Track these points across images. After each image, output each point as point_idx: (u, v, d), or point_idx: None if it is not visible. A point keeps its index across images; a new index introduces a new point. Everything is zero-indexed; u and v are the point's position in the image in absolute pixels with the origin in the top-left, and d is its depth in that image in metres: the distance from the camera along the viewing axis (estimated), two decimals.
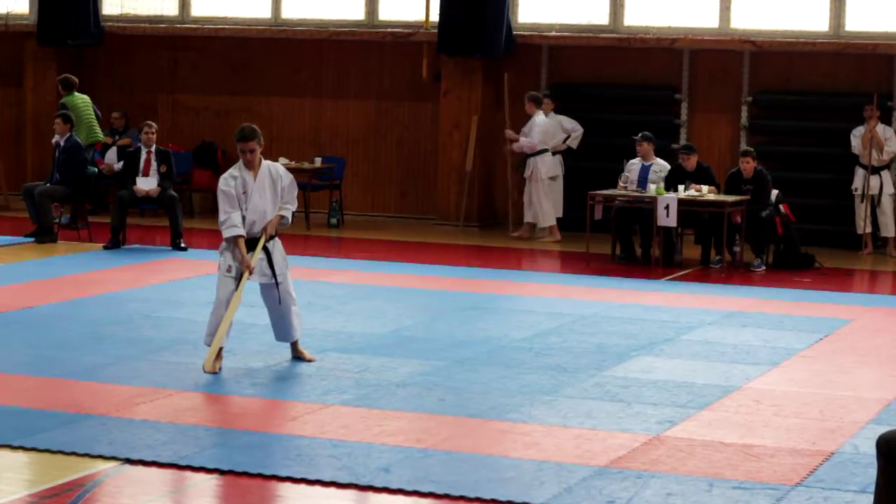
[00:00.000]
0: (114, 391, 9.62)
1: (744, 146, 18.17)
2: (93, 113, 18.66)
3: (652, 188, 16.43)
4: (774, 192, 16.62)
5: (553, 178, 18.45)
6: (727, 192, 16.65)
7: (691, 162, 16.68)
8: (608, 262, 16.55)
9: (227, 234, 10.29)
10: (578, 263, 16.57)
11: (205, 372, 10.21)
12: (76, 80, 18.83)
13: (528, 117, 18.63)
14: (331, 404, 9.44)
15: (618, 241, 16.71)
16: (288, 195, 10.55)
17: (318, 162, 19.62)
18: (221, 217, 10.27)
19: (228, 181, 10.32)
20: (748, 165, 16.54)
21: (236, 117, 20.87)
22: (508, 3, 19.16)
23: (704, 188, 16.34)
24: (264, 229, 10.42)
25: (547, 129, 18.35)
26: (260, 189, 10.37)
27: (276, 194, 10.45)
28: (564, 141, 18.66)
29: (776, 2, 18.77)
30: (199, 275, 14.73)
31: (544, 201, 18.38)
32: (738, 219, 16.22)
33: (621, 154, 17.52)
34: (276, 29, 20.49)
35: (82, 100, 18.62)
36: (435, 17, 19.48)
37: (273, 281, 10.50)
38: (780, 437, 8.87)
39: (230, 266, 10.39)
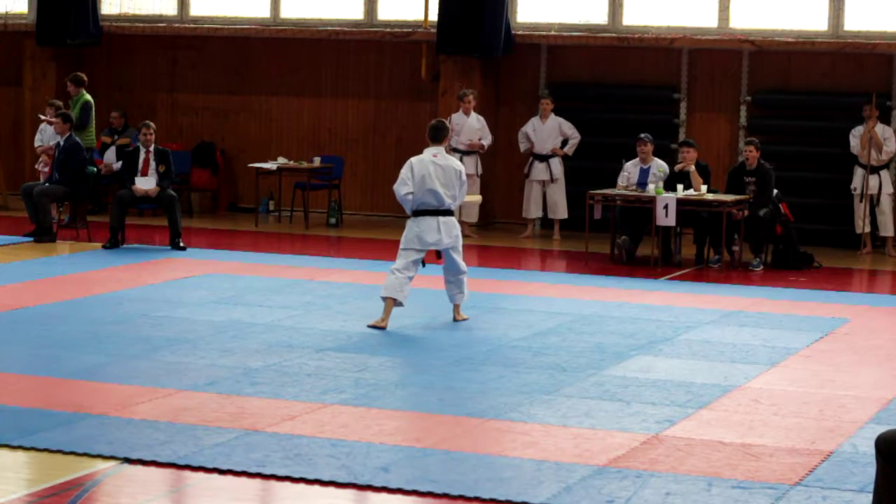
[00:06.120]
0: (113, 390, 9.63)
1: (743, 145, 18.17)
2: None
3: (651, 188, 16.41)
4: (774, 192, 16.60)
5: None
6: (729, 187, 16.63)
7: (691, 156, 16.61)
8: (607, 261, 16.55)
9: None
10: (577, 263, 16.57)
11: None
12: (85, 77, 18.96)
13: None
14: (330, 403, 9.44)
15: (616, 240, 16.67)
16: None
17: (316, 161, 19.61)
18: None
19: None
20: (752, 154, 16.50)
21: (235, 117, 20.91)
22: (507, 3, 19.14)
23: (703, 188, 16.35)
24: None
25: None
26: None
27: None
28: (562, 146, 18.61)
29: (775, 1, 18.76)
30: (197, 274, 14.74)
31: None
32: (740, 215, 16.18)
33: (620, 153, 17.49)
34: (274, 28, 20.48)
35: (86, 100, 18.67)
36: (434, 16, 19.46)
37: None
38: (778, 436, 8.87)
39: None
